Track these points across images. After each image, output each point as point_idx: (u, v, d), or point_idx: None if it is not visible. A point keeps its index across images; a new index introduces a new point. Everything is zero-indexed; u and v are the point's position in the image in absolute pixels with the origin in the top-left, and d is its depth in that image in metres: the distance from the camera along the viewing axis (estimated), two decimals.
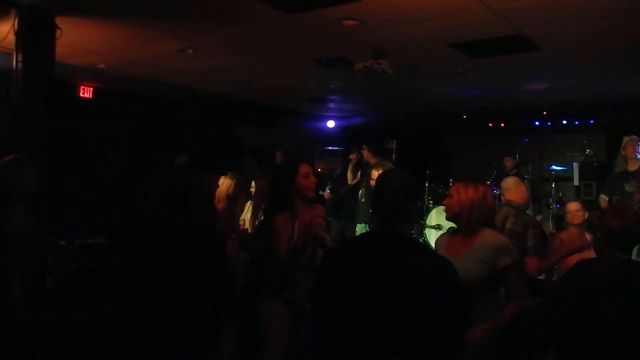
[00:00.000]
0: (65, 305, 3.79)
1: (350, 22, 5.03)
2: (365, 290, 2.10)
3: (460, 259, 2.85)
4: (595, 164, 9.01)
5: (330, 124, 11.52)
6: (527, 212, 4.82)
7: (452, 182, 8.70)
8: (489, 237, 2.92)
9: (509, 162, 8.79)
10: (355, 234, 7.05)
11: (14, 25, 4.88)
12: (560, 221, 9.02)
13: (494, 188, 8.09)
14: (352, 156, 7.52)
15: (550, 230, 8.81)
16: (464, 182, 3.04)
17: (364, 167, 7.30)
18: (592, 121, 9.44)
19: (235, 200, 5.12)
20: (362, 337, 2.08)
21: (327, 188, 7.76)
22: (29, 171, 3.26)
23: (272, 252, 3.15)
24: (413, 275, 2.11)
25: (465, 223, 2.96)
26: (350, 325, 2.12)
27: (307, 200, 3.28)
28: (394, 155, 9.13)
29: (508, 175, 8.78)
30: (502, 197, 4.73)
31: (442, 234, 3.34)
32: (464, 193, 2.97)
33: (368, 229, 4.92)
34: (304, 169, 3.30)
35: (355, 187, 7.39)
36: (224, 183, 4.94)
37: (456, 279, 2.16)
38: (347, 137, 11.25)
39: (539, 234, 4.37)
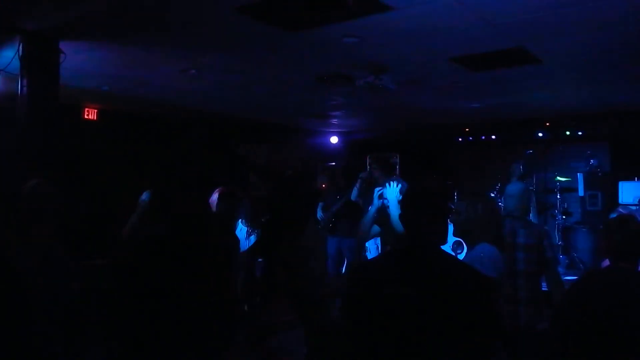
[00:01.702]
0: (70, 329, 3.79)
1: (351, 39, 5.07)
2: (401, 305, 2.09)
3: None
4: (599, 174, 8.99)
5: (334, 139, 11.56)
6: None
7: (456, 196, 8.73)
8: (478, 250, 2.91)
9: (514, 172, 8.78)
10: (355, 250, 6.99)
11: (18, 50, 4.94)
12: (567, 231, 9.03)
13: (500, 200, 8.11)
14: (364, 174, 7.34)
15: (557, 241, 8.79)
16: (471, 198, 3.03)
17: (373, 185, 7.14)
18: (595, 131, 9.42)
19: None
20: (399, 352, 2.06)
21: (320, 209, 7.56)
22: (53, 194, 3.37)
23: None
24: (448, 289, 2.09)
25: (474, 239, 2.94)
26: (386, 342, 2.11)
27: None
28: (397, 169, 9.13)
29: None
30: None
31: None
32: (472, 211, 2.95)
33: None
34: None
35: (354, 203, 7.20)
36: None
37: (488, 292, 2.15)
38: (351, 152, 11.28)
39: (554, 244, 4.26)
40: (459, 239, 7.70)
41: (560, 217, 9.00)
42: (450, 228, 7.95)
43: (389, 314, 2.11)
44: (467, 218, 2.98)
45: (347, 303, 2.33)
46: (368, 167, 7.24)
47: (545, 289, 4.15)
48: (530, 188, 8.63)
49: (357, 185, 7.16)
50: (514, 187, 4.28)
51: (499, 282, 2.87)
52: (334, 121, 10.38)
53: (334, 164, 10.34)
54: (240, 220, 7.22)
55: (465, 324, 2.04)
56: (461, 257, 7.16)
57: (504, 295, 3.65)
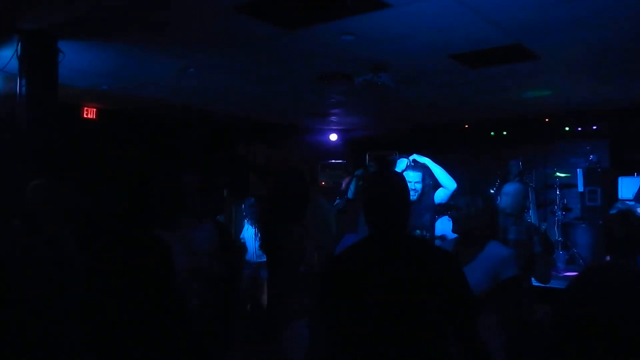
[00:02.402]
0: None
1: (349, 37, 5.07)
2: (374, 292, 2.10)
3: (466, 270, 2.86)
4: (599, 170, 8.99)
5: (333, 137, 11.55)
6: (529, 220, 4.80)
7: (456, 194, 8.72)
8: (494, 249, 2.91)
9: (513, 170, 8.79)
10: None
11: (17, 49, 4.94)
12: (566, 227, 9.04)
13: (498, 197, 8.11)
14: (359, 173, 7.27)
15: (557, 237, 8.80)
16: (471, 194, 3.03)
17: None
18: (595, 127, 9.42)
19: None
20: (373, 337, 2.08)
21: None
22: (57, 193, 3.49)
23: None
24: (419, 272, 2.11)
25: (476, 236, 2.94)
26: (360, 330, 2.12)
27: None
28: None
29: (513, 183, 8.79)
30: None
31: (446, 244, 3.34)
32: (473, 206, 2.95)
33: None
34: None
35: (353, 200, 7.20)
36: None
37: (460, 269, 2.18)
38: (351, 150, 11.27)
39: (544, 239, 4.33)
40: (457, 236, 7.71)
41: (559, 213, 9.00)
42: (449, 224, 8.01)
43: (362, 305, 2.12)
44: (467, 214, 2.98)
45: (321, 298, 2.34)
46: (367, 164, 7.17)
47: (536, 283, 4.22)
48: (530, 184, 8.63)
49: (353, 183, 7.09)
50: (510, 187, 4.48)
51: (520, 278, 2.89)
52: (334, 119, 10.38)
53: (334, 161, 10.31)
54: (246, 220, 7.25)
55: (440, 300, 2.06)
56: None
57: None
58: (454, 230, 3.10)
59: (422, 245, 2.32)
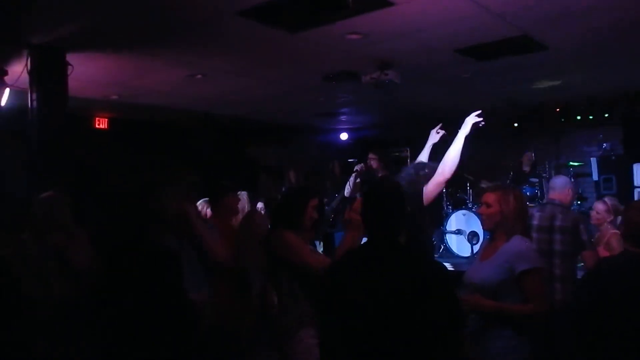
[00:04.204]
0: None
1: (354, 37, 5.08)
2: (365, 300, 2.11)
3: (484, 264, 2.87)
4: (613, 157, 8.91)
5: (343, 136, 11.55)
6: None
7: (469, 187, 8.69)
8: (514, 243, 2.90)
9: (526, 160, 8.75)
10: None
11: (26, 64, 5.01)
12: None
13: (525, 189, 8.08)
14: (359, 167, 6.83)
15: None
16: (502, 190, 3.02)
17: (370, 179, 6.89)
18: (607, 115, 9.33)
19: None
20: (364, 344, 2.10)
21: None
22: (66, 204, 3.55)
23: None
24: (409, 282, 2.11)
25: (508, 231, 2.94)
26: (351, 337, 2.14)
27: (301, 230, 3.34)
28: (409, 162, 9.07)
29: (525, 174, 8.76)
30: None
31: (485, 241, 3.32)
32: (505, 203, 2.94)
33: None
34: (313, 202, 3.37)
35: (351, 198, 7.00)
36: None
37: (448, 281, 2.20)
38: (360, 149, 11.25)
39: (590, 228, 4.51)
40: (474, 230, 7.70)
41: (575, 202, 8.93)
42: (464, 218, 8.04)
43: (355, 316, 2.14)
44: (500, 210, 2.96)
45: (318, 307, 2.37)
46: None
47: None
48: (543, 175, 8.57)
49: (351, 179, 6.83)
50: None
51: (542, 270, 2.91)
52: (343, 118, 10.39)
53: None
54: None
55: (429, 318, 2.06)
56: (476, 248, 7.16)
57: None
58: (484, 227, 3.08)
59: (416, 257, 2.32)
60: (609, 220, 4.80)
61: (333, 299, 2.26)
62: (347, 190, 6.79)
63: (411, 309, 2.06)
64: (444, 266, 2.26)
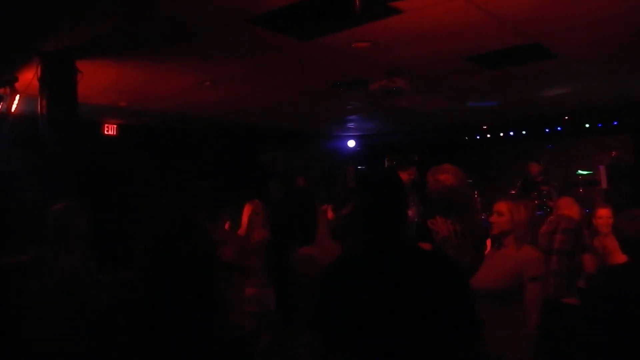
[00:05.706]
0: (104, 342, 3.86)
1: (362, 45, 5.09)
2: (371, 303, 1.97)
3: (491, 271, 2.88)
4: (622, 165, 8.85)
5: (351, 143, 11.56)
6: None
7: (477, 195, 8.65)
8: (524, 252, 2.92)
9: (534, 168, 8.70)
10: None
11: (36, 71, 5.04)
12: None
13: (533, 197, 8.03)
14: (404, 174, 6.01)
15: None
16: (513, 200, 3.06)
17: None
18: (615, 122, 9.28)
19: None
20: (372, 350, 1.97)
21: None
22: (80, 215, 3.56)
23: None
24: (419, 282, 1.98)
25: (518, 240, 2.96)
26: (358, 341, 1.99)
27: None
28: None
29: (535, 182, 8.70)
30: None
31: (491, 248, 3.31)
32: (516, 213, 2.97)
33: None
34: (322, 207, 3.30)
35: None
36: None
37: (465, 283, 2.10)
38: (369, 155, 11.27)
39: (593, 233, 4.80)
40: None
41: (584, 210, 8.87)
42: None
43: (360, 318, 1.99)
44: (511, 220, 2.98)
45: (317, 310, 2.22)
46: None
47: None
48: (553, 183, 8.52)
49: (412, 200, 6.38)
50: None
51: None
52: (351, 125, 10.39)
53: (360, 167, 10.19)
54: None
55: (440, 315, 1.93)
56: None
57: None
58: (491, 232, 3.07)
59: (424, 255, 2.17)
60: (611, 224, 4.83)
61: (337, 302, 2.08)
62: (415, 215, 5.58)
63: (428, 312, 1.94)
64: (458, 263, 2.20)
